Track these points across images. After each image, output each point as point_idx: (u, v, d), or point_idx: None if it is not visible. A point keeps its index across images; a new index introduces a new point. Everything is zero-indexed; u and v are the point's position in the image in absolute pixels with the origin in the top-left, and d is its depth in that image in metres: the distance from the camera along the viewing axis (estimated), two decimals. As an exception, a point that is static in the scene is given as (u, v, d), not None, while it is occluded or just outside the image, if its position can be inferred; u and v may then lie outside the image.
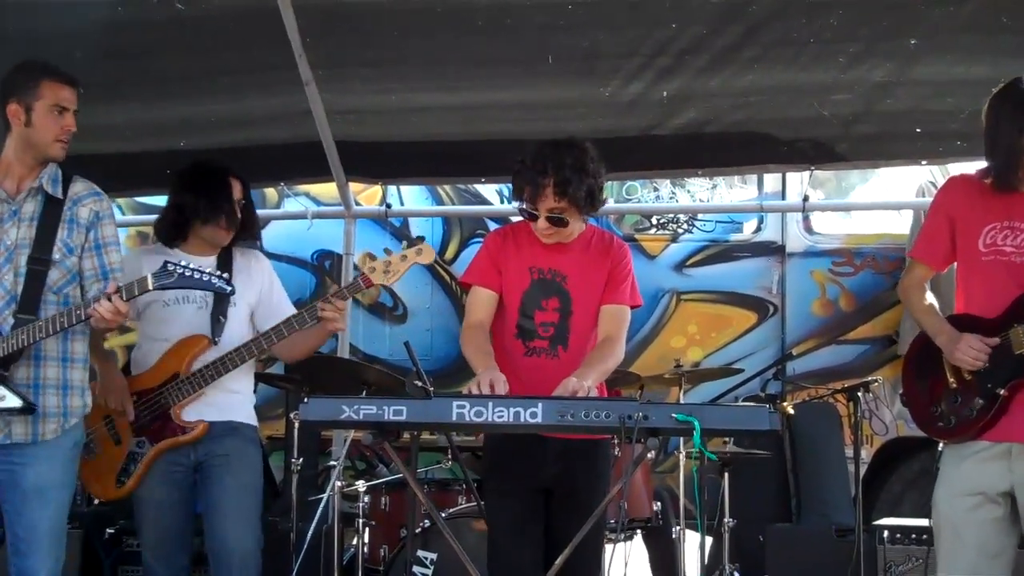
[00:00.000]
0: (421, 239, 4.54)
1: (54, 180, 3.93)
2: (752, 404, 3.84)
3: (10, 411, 3.76)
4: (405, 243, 4.30)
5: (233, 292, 4.01)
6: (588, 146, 3.92)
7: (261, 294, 4.50)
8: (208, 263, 4.23)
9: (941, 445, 3.61)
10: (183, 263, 3.86)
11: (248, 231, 4.57)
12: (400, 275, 4.22)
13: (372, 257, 4.25)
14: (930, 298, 3.70)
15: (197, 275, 3.82)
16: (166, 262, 3.84)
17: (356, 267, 6.59)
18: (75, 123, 3.92)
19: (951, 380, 3.54)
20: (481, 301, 3.99)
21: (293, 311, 4.48)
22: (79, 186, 3.98)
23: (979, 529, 3.45)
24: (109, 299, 3.73)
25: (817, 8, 4.80)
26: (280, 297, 4.57)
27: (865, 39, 4.94)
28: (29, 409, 3.77)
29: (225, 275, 3.95)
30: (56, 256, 3.87)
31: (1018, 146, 3.45)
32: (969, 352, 3.46)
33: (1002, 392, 3.42)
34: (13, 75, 3.92)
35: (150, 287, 3.79)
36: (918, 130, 5.49)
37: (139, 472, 4.26)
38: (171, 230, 4.45)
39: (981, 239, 3.56)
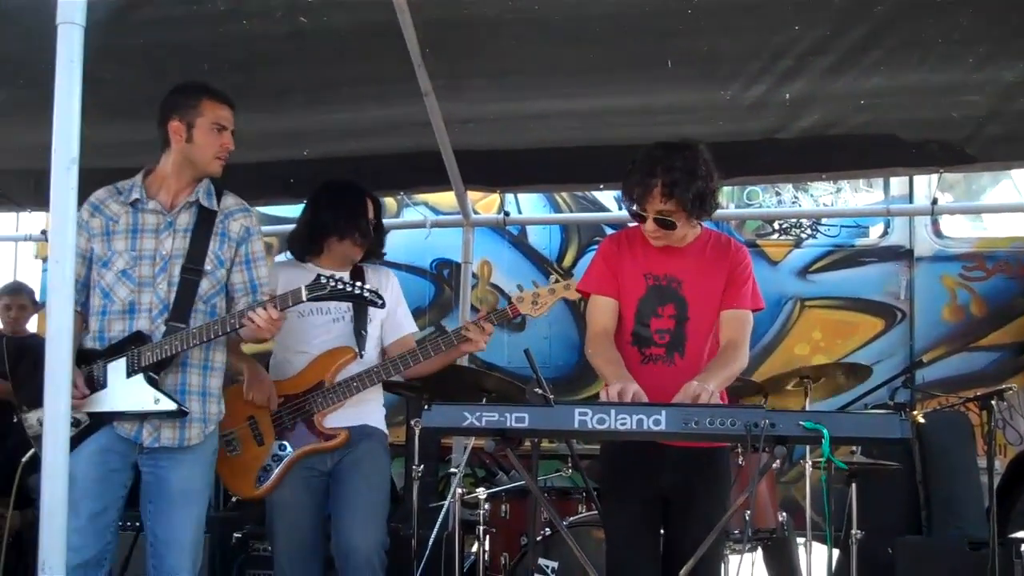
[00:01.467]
0: (570, 275, 4.62)
1: (208, 194, 4.07)
2: (883, 411, 3.74)
3: (165, 414, 3.90)
4: (554, 277, 4.37)
5: (384, 305, 4.13)
6: (701, 148, 3.85)
7: (389, 310, 4.59)
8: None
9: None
10: (335, 276, 4.00)
11: (377, 249, 4.73)
12: (548, 308, 4.34)
13: (520, 287, 4.34)
14: None
15: (349, 288, 3.95)
16: (319, 275, 3.98)
17: (474, 275, 6.64)
18: (233, 142, 4.08)
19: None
20: (602, 309, 3.95)
21: (413, 327, 4.71)
22: (230, 200, 4.13)
23: None
24: (264, 308, 3.86)
25: (945, 8, 4.67)
26: (404, 313, 4.73)
27: (995, 39, 4.80)
28: (182, 413, 3.91)
29: (374, 288, 4.06)
30: (208, 267, 4.01)
31: None
32: None
33: None
34: (175, 95, 4.08)
35: (304, 298, 3.92)
36: (1051, 129, 5.31)
37: (279, 474, 4.38)
38: (306, 245, 4.61)
39: None
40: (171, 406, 3.88)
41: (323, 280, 3.92)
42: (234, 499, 5.66)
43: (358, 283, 3.99)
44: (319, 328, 4.48)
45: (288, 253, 4.77)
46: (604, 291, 3.95)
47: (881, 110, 5.32)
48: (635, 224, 4.01)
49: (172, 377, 3.95)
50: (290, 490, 4.39)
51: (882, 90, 5.15)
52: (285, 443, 4.41)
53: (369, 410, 4.54)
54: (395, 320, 4.66)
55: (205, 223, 4.02)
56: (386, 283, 4.65)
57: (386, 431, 4.61)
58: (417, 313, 7.08)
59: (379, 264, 4.79)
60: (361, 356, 4.46)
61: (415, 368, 4.52)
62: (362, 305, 4.42)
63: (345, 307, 4.50)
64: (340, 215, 4.55)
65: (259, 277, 4.10)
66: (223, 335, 3.94)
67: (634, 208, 3.87)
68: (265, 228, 7.05)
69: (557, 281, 4.33)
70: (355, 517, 4.32)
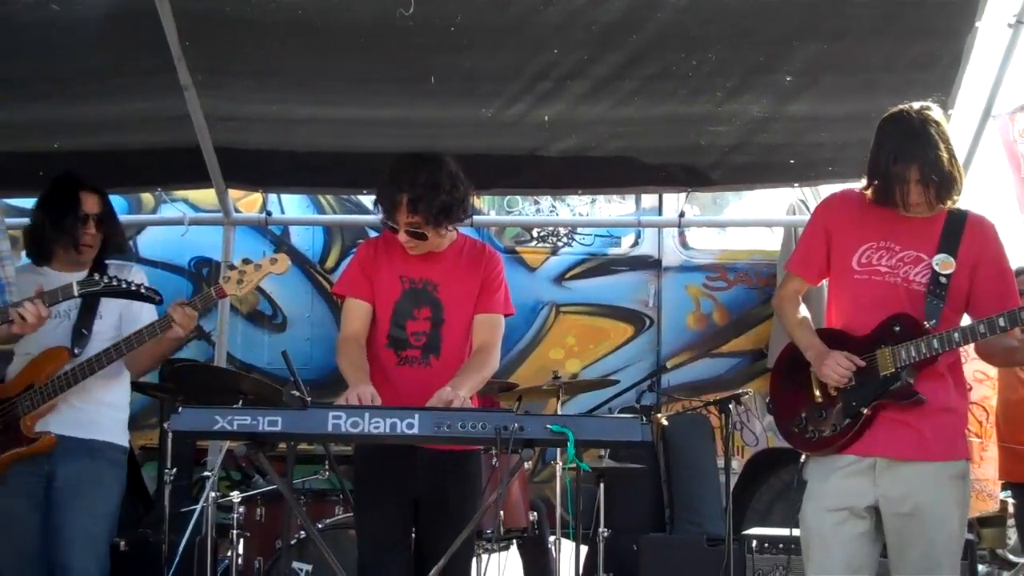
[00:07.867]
0: (280, 251, 4.51)
1: None
2: (625, 415, 3.90)
3: None
4: (264, 254, 4.26)
5: (162, 301, 4.05)
6: (447, 160, 3.96)
7: (125, 303, 4.33)
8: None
9: (804, 456, 3.70)
10: (108, 274, 4.02)
11: (111, 244, 4.45)
12: (253, 285, 4.12)
13: (230, 267, 4.17)
14: (803, 311, 3.73)
15: (124, 285, 3.95)
16: (91, 271, 3.99)
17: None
18: None
19: (817, 394, 3.59)
20: (355, 312, 3.99)
21: (155, 318, 4.35)
22: None
23: (846, 544, 3.50)
24: (32, 302, 3.80)
25: (695, 42, 4.90)
26: (142, 305, 4.37)
27: (741, 74, 5.08)
28: None
29: (151, 286, 4.04)
30: None
31: (891, 172, 3.49)
32: (836, 370, 3.51)
33: (865, 411, 3.49)
34: None
35: (75, 293, 3.89)
36: (792, 161, 5.64)
37: None
38: (33, 249, 4.38)
39: (856, 257, 3.60)
40: None
41: (96, 276, 3.87)
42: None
43: (134, 280, 3.98)
44: (45, 330, 4.15)
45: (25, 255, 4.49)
46: (357, 294, 3.99)
47: (635, 137, 5.53)
48: None
49: None
50: (8, 498, 4.14)
51: (636, 119, 5.36)
52: None
53: (98, 420, 4.27)
54: (133, 313, 4.33)
55: None
56: (129, 277, 4.35)
57: (123, 442, 4.36)
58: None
59: (123, 260, 4.58)
60: (75, 355, 4.19)
61: (138, 362, 4.34)
62: (91, 303, 4.25)
63: (72, 305, 4.23)
64: (48, 218, 4.31)
65: (5, 276, 3.94)
66: None
67: (387, 220, 3.94)
68: (13, 220, 6.77)
69: (264, 256, 4.21)
70: (74, 547, 4.11)
